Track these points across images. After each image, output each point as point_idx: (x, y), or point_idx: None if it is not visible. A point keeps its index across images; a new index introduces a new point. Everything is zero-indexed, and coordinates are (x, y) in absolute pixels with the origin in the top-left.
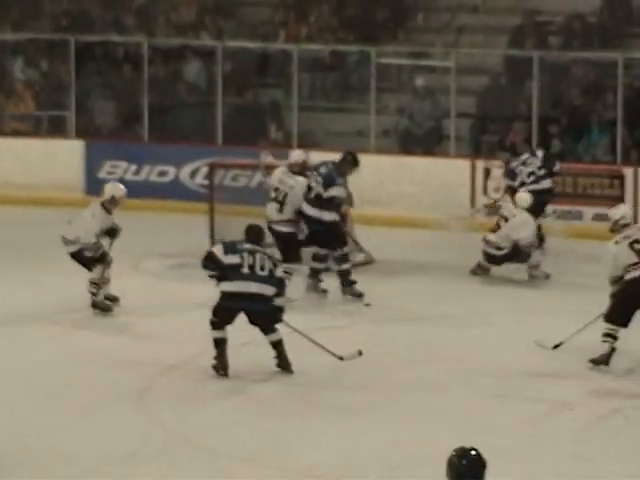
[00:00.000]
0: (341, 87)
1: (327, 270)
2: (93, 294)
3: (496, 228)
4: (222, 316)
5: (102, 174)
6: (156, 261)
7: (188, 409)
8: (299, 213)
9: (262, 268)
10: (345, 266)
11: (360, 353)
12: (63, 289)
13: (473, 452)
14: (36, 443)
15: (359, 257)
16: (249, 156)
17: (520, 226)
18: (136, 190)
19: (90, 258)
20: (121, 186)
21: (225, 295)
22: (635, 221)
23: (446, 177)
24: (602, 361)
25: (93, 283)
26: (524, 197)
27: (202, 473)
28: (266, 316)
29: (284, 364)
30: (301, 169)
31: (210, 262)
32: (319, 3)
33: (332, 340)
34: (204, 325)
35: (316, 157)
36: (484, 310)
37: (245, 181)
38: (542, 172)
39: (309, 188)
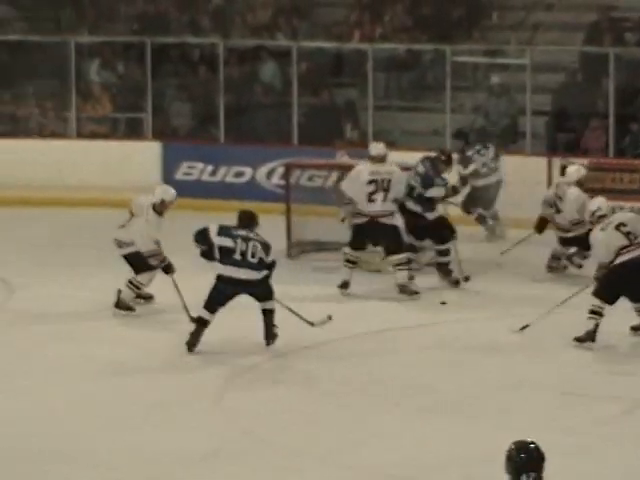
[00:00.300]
0: (416, 86)
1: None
2: (119, 292)
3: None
4: (215, 298)
5: (179, 175)
6: None
7: (266, 409)
8: (401, 207)
9: (253, 255)
10: (445, 259)
11: (329, 318)
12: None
13: (532, 445)
14: (115, 443)
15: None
16: (325, 156)
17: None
18: (212, 191)
19: (144, 262)
20: (172, 190)
21: (218, 277)
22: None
23: (522, 175)
24: (588, 339)
25: (134, 285)
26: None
27: (280, 473)
28: (258, 296)
29: (268, 334)
30: (382, 162)
31: (202, 237)
32: (394, 3)
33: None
34: (283, 325)
35: (391, 157)
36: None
37: (321, 181)
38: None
39: (410, 186)
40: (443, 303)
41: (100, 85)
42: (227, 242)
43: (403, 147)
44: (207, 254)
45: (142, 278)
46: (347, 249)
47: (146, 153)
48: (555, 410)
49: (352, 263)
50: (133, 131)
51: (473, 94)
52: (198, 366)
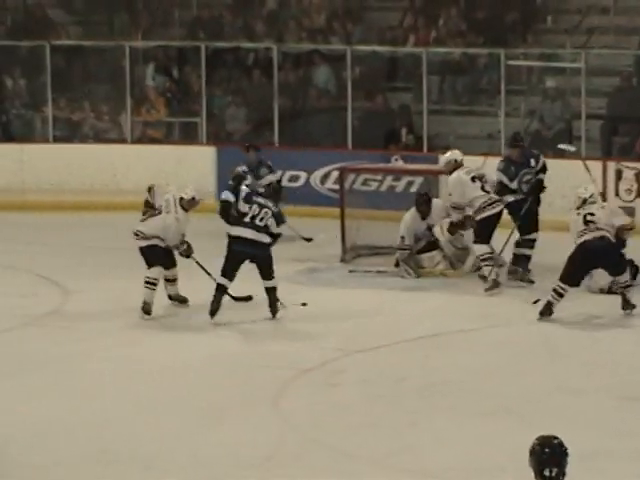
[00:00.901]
0: (471, 90)
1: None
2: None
3: None
4: (229, 262)
5: None
6: (288, 265)
7: (322, 412)
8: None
9: (261, 220)
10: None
11: (304, 304)
12: (197, 293)
13: (555, 441)
14: (171, 447)
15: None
16: (379, 160)
17: None
18: None
19: (158, 257)
20: (203, 190)
21: (228, 239)
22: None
23: (577, 179)
24: (546, 312)
25: (150, 284)
26: None
27: (336, 477)
28: (260, 261)
29: (273, 309)
30: (455, 168)
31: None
32: (448, 6)
33: (470, 341)
34: (338, 329)
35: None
36: (615, 312)
37: (375, 185)
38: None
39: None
40: (304, 304)
41: (155, 90)
42: (245, 208)
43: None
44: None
45: (152, 273)
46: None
47: (201, 158)
48: (616, 415)
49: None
50: (187, 135)
51: (528, 98)
52: (254, 370)
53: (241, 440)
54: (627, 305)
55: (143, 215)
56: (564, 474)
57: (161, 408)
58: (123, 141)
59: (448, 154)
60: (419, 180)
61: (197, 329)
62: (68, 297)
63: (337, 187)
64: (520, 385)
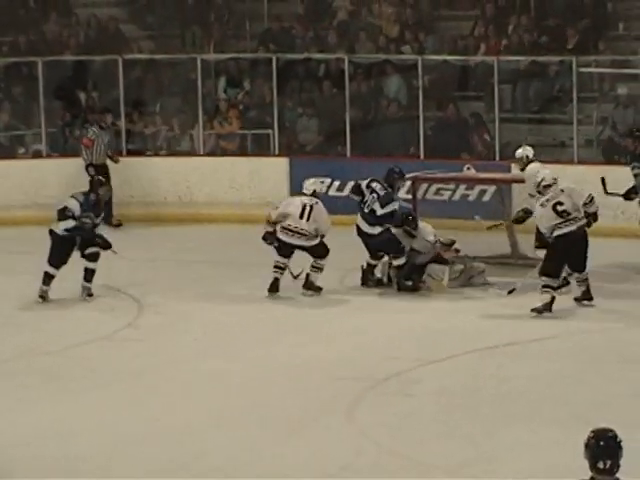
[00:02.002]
0: (542, 98)
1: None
2: (308, 274)
3: None
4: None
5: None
6: (359, 277)
7: (398, 422)
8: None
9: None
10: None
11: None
12: (276, 306)
13: (610, 434)
14: (247, 458)
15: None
16: (451, 169)
17: None
18: (341, 206)
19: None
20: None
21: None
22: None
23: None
24: (545, 309)
25: (318, 268)
26: None
27: None
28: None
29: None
30: (527, 164)
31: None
32: (519, 15)
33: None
34: (412, 339)
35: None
36: None
37: (448, 194)
38: None
39: None
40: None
41: (227, 102)
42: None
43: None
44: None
45: (324, 262)
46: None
47: (273, 169)
48: None
49: None
50: (260, 147)
51: (600, 105)
52: (330, 381)
53: (317, 450)
54: (587, 295)
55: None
56: (619, 466)
57: (237, 420)
58: (196, 154)
59: (520, 150)
60: (492, 189)
61: (272, 340)
62: (143, 311)
63: (410, 197)
64: (595, 392)
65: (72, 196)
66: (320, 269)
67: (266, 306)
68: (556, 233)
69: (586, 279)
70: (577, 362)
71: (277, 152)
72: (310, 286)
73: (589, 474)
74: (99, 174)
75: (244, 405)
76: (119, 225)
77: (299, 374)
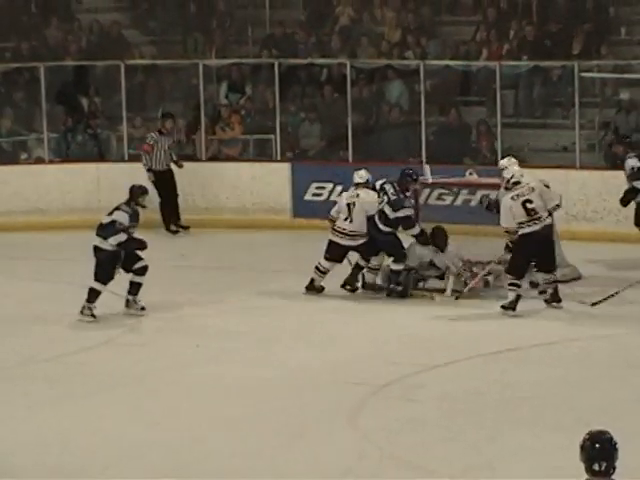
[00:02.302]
0: (545, 103)
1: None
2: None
3: None
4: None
5: (308, 196)
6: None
7: (400, 428)
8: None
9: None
10: None
11: None
12: (277, 311)
13: (605, 436)
14: (251, 462)
15: (565, 272)
16: (454, 174)
17: None
18: None
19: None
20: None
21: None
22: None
23: None
24: (510, 307)
25: (373, 269)
26: None
27: None
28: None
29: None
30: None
31: None
32: (520, 20)
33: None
34: (414, 344)
35: None
36: None
37: (450, 199)
38: None
39: None
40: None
41: (229, 107)
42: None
43: (532, 164)
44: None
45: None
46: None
47: (275, 174)
48: None
49: None
50: (262, 152)
51: (602, 110)
52: (332, 386)
53: (320, 456)
54: (556, 297)
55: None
56: (614, 468)
57: (238, 424)
58: (198, 159)
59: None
60: (494, 194)
61: (273, 345)
62: (145, 315)
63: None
64: (598, 398)
65: (118, 208)
66: (374, 269)
67: (267, 311)
68: (521, 232)
69: (554, 281)
70: (581, 367)
71: (279, 157)
72: (371, 287)
73: (585, 476)
74: (159, 180)
75: (245, 410)
76: (177, 232)
77: (301, 379)
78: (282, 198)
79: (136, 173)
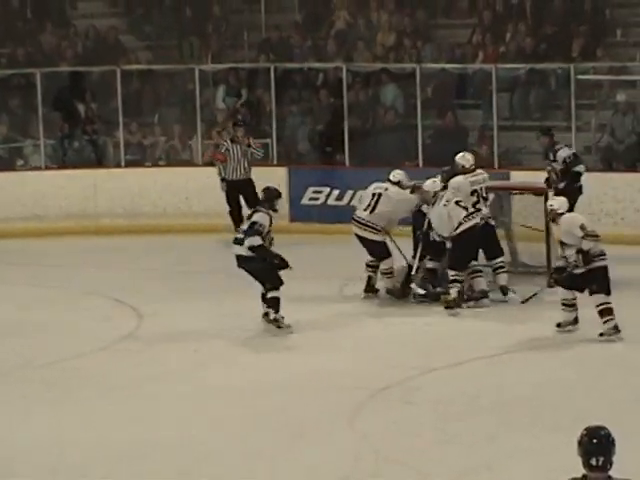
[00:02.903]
0: (541, 105)
1: None
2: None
3: None
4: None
5: (305, 200)
6: (360, 286)
7: (398, 431)
8: None
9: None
10: None
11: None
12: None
13: (603, 432)
14: (249, 466)
15: None
16: None
17: None
18: (340, 215)
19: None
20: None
21: None
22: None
23: None
24: (456, 305)
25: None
26: None
27: None
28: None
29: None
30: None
31: None
32: (516, 22)
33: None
34: (411, 347)
35: (518, 177)
36: None
37: None
38: None
39: None
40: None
41: (225, 112)
42: None
43: (529, 167)
44: None
45: (386, 266)
46: None
47: (272, 178)
48: None
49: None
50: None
51: (598, 112)
52: (330, 389)
53: (318, 459)
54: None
55: None
56: (611, 463)
57: (237, 428)
58: (195, 164)
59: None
60: (490, 196)
61: (272, 349)
62: (142, 321)
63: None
64: (595, 399)
65: (258, 211)
66: (387, 274)
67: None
68: (461, 229)
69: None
70: (579, 369)
71: (275, 161)
72: (391, 292)
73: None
74: (231, 190)
75: (244, 414)
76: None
77: (299, 382)
78: (279, 202)
79: (134, 179)
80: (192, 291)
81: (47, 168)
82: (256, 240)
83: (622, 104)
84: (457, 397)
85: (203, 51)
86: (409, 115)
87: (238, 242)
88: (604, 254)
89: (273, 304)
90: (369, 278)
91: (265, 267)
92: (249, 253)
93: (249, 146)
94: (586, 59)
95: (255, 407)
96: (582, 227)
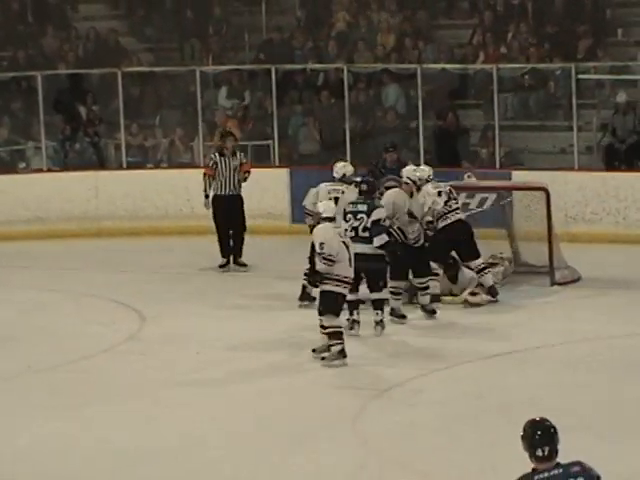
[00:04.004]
0: (542, 105)
1: None
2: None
3: None
4: None
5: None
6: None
7: (402, 433)
8: None
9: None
10: None
11: None
12: (277, 317)
13: (546, 423)
14: (253, 469)
15: (565, 273)
16: (452, 178)
17: None
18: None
19: None
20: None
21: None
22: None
23: None
24: (434, 300)
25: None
26: None
27: None
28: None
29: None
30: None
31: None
32: (517, 22)
33: (545, 358)
34: (414, 348)
35: (520, 177)
36: None
37: None
38: None
39: None
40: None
41: (227, 113)
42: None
43: (531, 167)
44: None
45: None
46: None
47: (274, 180)
48: None
49: None
50: (260, 158)
51: (599, 111)
52: (334, 392)
53: (322, 461)
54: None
55: None
56: (556, 451)
57: (240, 432)
58: (196, 165)
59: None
60: (492, 197)
61: (274, 351)
62: (145, 323)
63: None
64: (601, 399)
65: (375, 206)
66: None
67: (268, 318)
68: (441, 225)
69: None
70: (582, 369)
71: (277, 163)
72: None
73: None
74: (218, 208)
75: (247, 417)
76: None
77: (302, 385)
78: (281, 204)
79: (136, 181)
80: (194, 293)
81: (49, 170)
82: (383, 238)
83: (623, 104)
84: (460, 398)
85: (204, 53)
86: (410, 116)
87: (361, 241)
88: None
89: (382, 305)
90: (304, 287)
91: (384, 268)
92: (376, 251)
93: (247, 173)
94: (587, 59)
95: (256, 410)
96: None
